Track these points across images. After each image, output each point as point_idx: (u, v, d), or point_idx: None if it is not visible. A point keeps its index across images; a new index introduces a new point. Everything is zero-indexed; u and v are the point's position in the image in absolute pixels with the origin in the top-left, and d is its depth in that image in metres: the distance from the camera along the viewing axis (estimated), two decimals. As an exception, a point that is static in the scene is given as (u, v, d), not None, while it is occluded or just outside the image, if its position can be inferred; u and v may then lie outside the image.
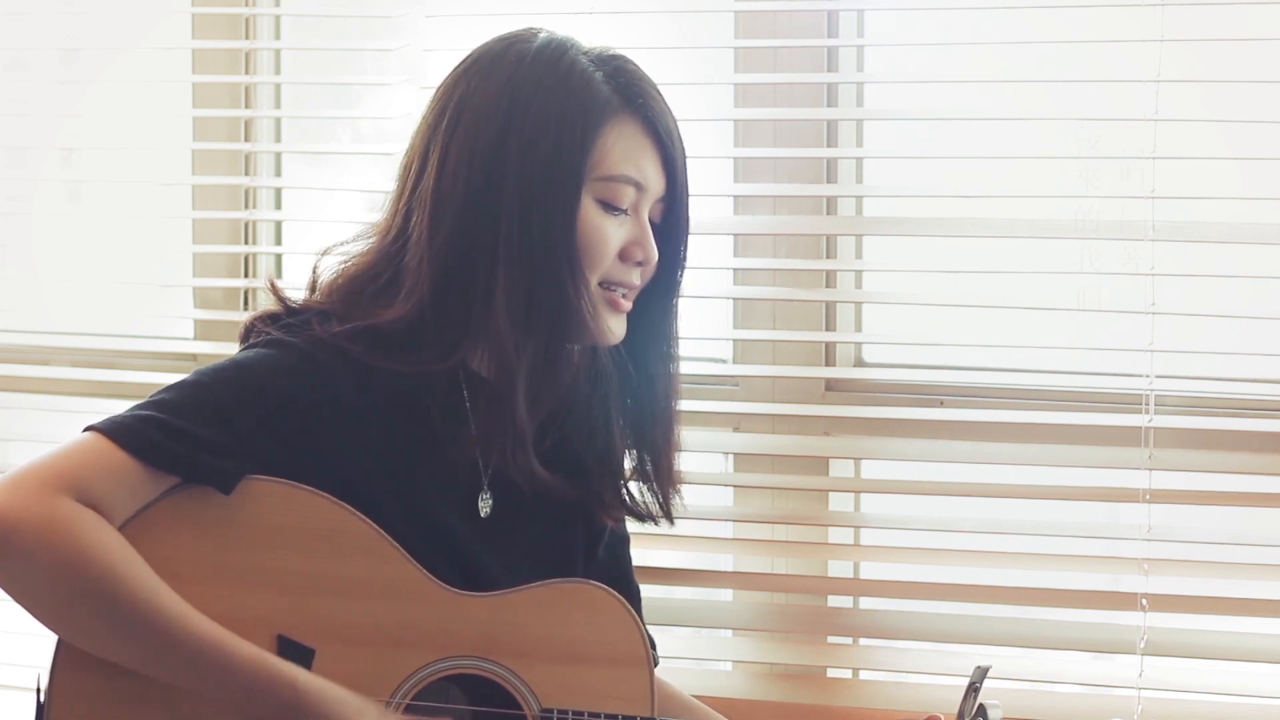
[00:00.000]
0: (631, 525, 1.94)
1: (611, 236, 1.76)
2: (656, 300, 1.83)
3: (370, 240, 1.80)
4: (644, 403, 1.85)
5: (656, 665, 1.91)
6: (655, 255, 1.79)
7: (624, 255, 1.77)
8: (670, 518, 1.89)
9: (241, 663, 1.66)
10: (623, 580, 1.91)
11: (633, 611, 1.74)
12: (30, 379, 2.57)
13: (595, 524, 1.90)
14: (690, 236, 1.84)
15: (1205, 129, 2.12)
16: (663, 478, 1.87)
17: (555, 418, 1.82)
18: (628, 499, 1.88)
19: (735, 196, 2.32)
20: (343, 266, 1.80)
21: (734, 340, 2.34)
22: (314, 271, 1.83)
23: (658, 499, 1.88)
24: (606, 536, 1.92)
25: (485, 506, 1.82)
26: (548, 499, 1.83)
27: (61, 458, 1.65)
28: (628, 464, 1.87)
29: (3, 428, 2.59)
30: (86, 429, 1.67)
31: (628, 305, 1.79)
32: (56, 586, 1.63)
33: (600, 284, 1.77)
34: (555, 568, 1.82)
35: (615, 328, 1.79)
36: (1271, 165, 2.10)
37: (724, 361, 2.36)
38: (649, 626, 1.93)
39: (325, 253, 1.83)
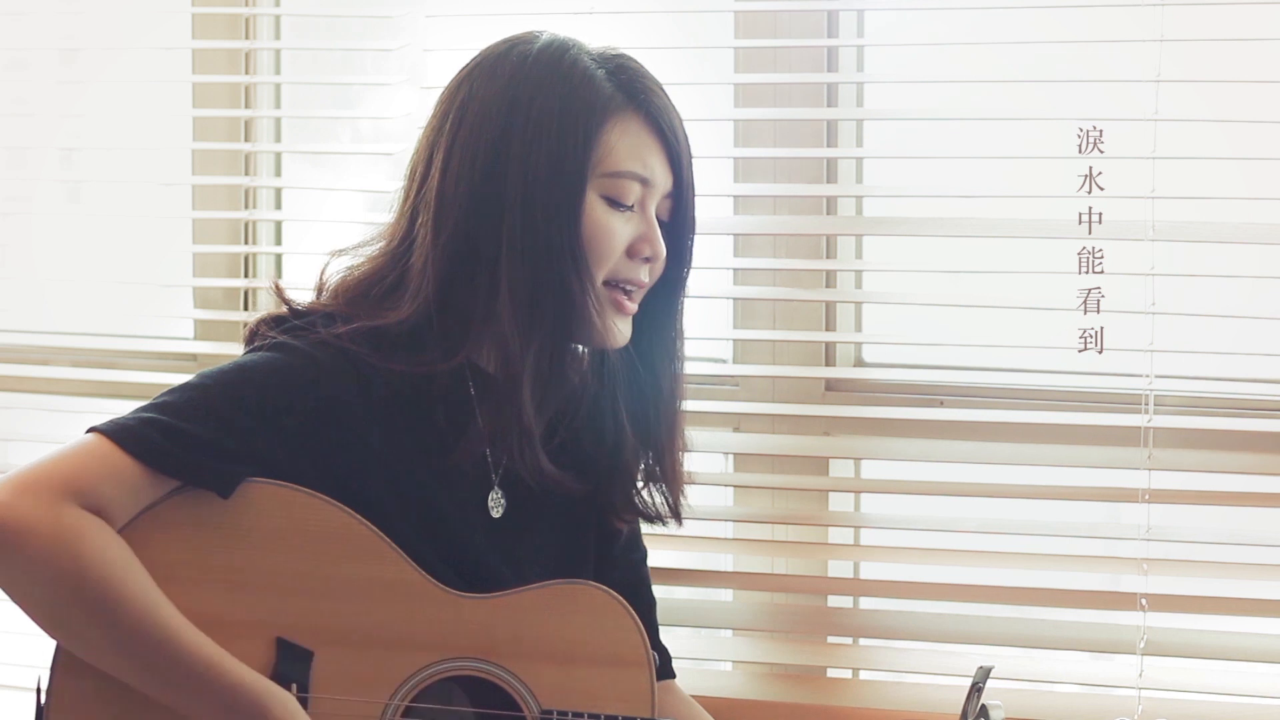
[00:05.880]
0: (641, 527, 1.94)
1: (618, 232, 1.76)
2: (662, 299, 1.83)
3: (377, 244, 1.81)
4: (650, 402, 1.85)
5: (675, 677, 1.92)
6: (663, 251, 1.79)
7: (631, 252, 1.77)
8: (680, 518, 1.90)
9: (234, 685, 1.65)
10: (640, 590, 1.92)
11: (633, 613, 1.74)
12: (30, 379, 2.57)
13: (607, 527, 1.90)
14: (696, 235, 1.84)
15: (1205, 129, 2.12)
16: (670, 478, 1.87)
17: (564, 416, 1.83)
18: (638, 501, 1.88)
19: (735, 196, 2.32)
20: (350, 269, 1.81)
21: (734, 340, 2.34)
22: (321, 274, 1.83)
23: (667, 500, 1.88)
24: (621, 542, 1.92)
25: (497, 507, 1.82)
26: (559, 501, 1.83)
27: (66, 460, 1.65)
28: (638, 465, 1.88)
29: (3, 428, 2.59)
30: (89, 430, 1.67)
31: (633, 307, 1.79)
32: (56, 594, 1.63)
33: (607, 283, 1.77)
34: (565, 570, 1.82)
35: (621, 330, 1.79)
36: (1271, 165, 2.10)
37: (724, 361, 2.36)
38: (661, 633, 1.94)
39: (333, 255, 1.83)
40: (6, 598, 1.66)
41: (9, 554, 1.61)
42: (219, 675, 1.65)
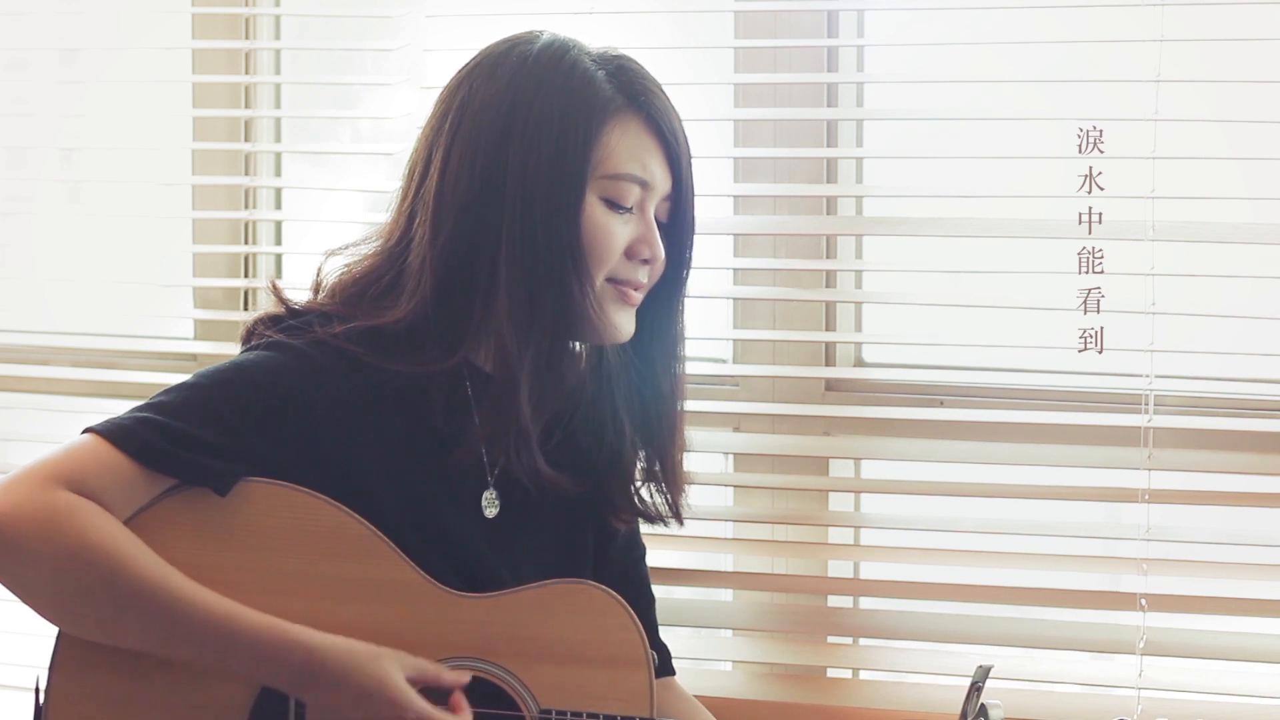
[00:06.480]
0: (640, 526, 1.94)
1: (617, 234, 1.76)
2: (662, 300, 1.83)
3: (375, 243, 1.81)
4: (650, 403, 1.85)
5: (674, 675, 1.92)
6: (662, 253, 1.79)
7: (630, 253, 1.77)
8: (680, 518, 1.90)
9: (253, 631, 1.65)
10: (639, 589, 1.92)
11: (631, 612, 1.74)
12: (30, 379, 2.57)
13: (605, 526, 1.90)
14: (696, 236, 1.84)
15: (1205, 129, 2.12)
16: (670, 478, 1.87)
17: (561, 417, 1.83)
18: (638, 501, 1.88)
19: (735, 196, 2.32)
20: (347, 268, 1.81)
21: (734, 340, 2.34)
22: (318, 273, 1.83)
23: (667, 500, 1.88)
24: (619, 540, 1.92)
25: (491, 507, 1.82)
26: (556, 500, 1.83)
27: (60, 458, 1.65)
28: (636, 465, 1.87)
29: (3, 428, 2.59)
30: (85, 430, 1.68)
31: (638, 298, 1.79)
32: (63, 576, 1.63)
33: (607, 280, 1.77)
34: (563, 570, 1.81)
35: (623, 325, 1.78)
36: (1271, 165, 2.10)
37: (724, 361, 2.36)
38: (661, 632, 1.94)
39: (330, 254, 1.83)
40: (11, 597, 1.66)
41: (9, 547, 1.61)
42: (242, 626, 1.65)
